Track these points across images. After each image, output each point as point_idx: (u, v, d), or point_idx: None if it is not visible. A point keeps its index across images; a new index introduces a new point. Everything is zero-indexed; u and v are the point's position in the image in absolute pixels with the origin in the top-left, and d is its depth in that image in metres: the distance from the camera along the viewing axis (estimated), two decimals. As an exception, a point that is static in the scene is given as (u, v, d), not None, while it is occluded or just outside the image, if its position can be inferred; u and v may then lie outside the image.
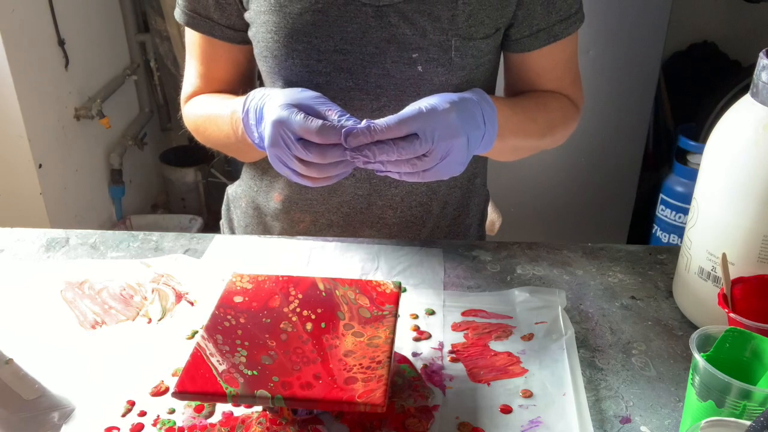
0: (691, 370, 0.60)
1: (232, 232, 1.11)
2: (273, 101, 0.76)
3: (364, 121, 0.72)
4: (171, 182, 2.62)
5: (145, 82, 2.58)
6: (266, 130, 0.75)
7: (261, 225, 1.06)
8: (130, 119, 2.51)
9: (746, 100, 0.73)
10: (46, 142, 1.95)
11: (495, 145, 0.84)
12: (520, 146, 0.92)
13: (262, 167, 1.02)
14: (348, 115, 0.73)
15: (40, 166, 1.92)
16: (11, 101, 1.80)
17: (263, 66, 0.91)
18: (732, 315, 0.68)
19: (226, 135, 0.88)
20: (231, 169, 2.66)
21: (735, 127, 0.74)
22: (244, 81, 0.98)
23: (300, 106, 0.74)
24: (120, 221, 2.37)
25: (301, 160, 0.73)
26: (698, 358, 0.58)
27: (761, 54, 0.70)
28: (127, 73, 2.42)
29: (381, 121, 0.71)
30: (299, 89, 0.78)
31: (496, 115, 0.82)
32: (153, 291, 0.86)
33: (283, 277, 0.76)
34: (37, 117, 1.89)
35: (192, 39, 0.95)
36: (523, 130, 0.89)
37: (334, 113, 0.73)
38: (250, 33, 0.90)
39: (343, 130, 0.71)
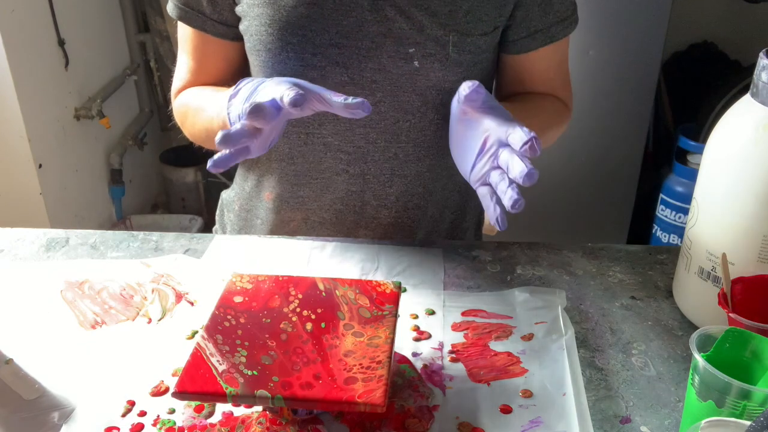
0: (691, 370, 0.60)
1: None
2: (270, 80, 0.74)
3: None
4: (171, 182, 2.62)
5: (145, 82, 2.58)
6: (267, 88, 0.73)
7: (253, 228, 1.05)
8: (130, 119, 2.51)
9: (746, 100, 0.73)
10: (46, 142, 1.95)
11: None
12: None
13: (253, 168, 1.02)
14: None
15: (40, 166, 1.92)
16: (11, 101, 1.80)
17: (256, 60, 0.90)
18: (732, 315, 0.68)
19: (212, 121, 0.86)
20: (231, 169, 2.65)
21: (735, 127, 0.74)
22: (235, 77, 0.95)
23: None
24: (120, 221, 2.37)
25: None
26: (698, 358, 0.58)
27: (761, 54, 0.70)
28: (127, 73, 2.42)
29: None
30: (294, 79, 0.76)
31: None
32: (153, 291, 0.86)
33: (283, 277, 0.76)
34: (37, 117, 1.89)
35: (184, 33, 0.94)
36: None
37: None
38: (242, 26, 0.90)
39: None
